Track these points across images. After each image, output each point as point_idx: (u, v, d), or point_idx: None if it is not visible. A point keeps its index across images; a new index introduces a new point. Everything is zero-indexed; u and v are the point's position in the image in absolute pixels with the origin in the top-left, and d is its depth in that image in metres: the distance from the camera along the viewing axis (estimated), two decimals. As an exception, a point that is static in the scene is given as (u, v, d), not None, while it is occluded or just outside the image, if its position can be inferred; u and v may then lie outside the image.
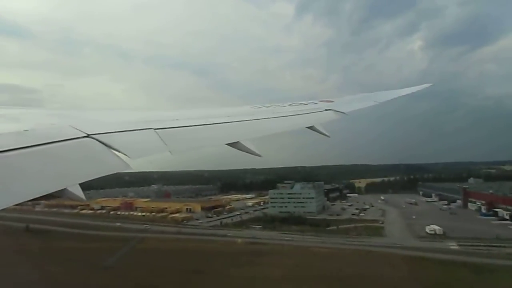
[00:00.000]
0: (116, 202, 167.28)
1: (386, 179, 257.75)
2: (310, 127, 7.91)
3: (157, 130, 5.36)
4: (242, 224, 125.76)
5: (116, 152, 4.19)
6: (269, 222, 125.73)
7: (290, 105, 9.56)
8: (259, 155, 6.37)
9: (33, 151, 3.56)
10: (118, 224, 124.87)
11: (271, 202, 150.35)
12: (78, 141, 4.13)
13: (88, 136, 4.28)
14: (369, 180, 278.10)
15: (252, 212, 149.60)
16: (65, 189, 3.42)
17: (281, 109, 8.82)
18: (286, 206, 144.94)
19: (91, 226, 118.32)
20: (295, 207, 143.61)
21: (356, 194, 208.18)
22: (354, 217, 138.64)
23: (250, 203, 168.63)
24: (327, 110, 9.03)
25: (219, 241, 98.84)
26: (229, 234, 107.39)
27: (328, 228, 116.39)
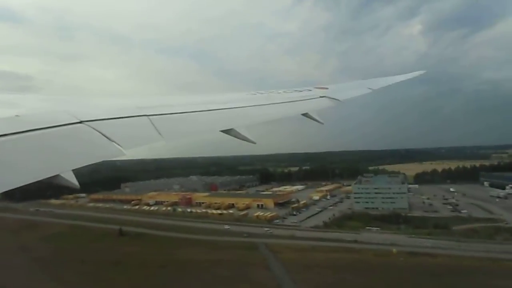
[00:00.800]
0: (170, 197, 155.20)
1: (433, 167, 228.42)
2: (305, 114, 7.92)
3: (151, 117, 5.32)
4: (341, 223, 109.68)
5: (109, 139, 4.17)
6: (366, 221, 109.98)
7: (285, 92, 9.54)
8: (253, 142, 6.39)
9: (24, 136, 3.52)
10: (203, 224, 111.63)
11: (356, 198, 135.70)
12: (71, 127, 4.09)
13: (81, 122, 4.26)
14: (405, 167, 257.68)
15: (330, 207, 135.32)
16: (58, 175, 3.39)
17: (276, 96, 8.80)
18: (373, 202, 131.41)
19: (180, 228, 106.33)
20: (383, 202, 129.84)
21: (416, 186, 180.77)
22: (456, 214, 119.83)
23: (316, 196, 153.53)
24: (322, 97, 9.03)
25: (375, 251, 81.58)
26: (360, 239, 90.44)
27: (455, 229, 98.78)
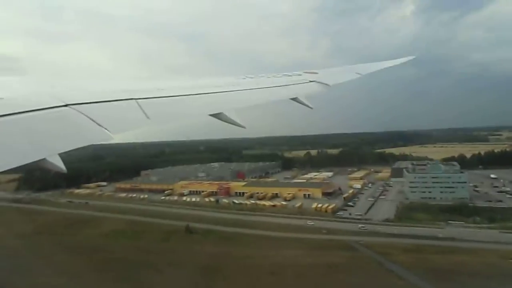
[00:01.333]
0: (204, 186, 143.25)
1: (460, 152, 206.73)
2: (294, 99, 7.97)
3: (139, 101, 5.29)
4: (410, 216, 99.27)
5: (96, 123, 4.14)
6: (433, 212, 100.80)
7: (274, 76, 9.54)
8: (243, 127, 6.45)
9: (7, 120, 3.47)
10: (266, 218, 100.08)
11: (411, 187, 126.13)
12: (56, 110, 4.05)
13: (66, 105, 4.21)
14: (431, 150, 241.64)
15: (381, 197, 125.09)
16: (44, 159, 3.37)
17: (265, 80, 8.81)
18: (430, 192, 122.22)
19: (247, 223, 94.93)
20: (442, 192, 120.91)
21: None
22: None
23: (357, 184, 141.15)
24: (311, 81, 9.06)
25: (495, 252, 69.65)
26: (453, 235, 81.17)
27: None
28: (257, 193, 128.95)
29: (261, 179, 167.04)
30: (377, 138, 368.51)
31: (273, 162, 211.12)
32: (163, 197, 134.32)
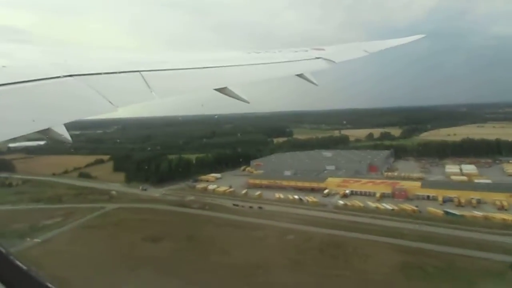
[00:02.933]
0: (368, 186, 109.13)
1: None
2: (300, 75, 7.92)
3: (143, 73, 5.27)
4: None
5: (100, 94, 4.13)
6: None
7: (280, 51, 9.45)
8: (247, 102, 6.46)
9: (9, 89, 3.43)
10: None
11: None
12: (60, 80, 4.03)
13: (71, 75, 4.20)
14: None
15: None
16: (49, 128, 3.39)
17: (272, 56, 8.73)
18: None
19: None
20: None
21: None
22: None
23: None
24: (317, 58, 8.98)
25: None
26: None
27: None
28: (448, 197, 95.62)
29: (411, 175, 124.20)
30: (419, 115, 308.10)
31: (387, 151, 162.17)
32: (326, 199, 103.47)
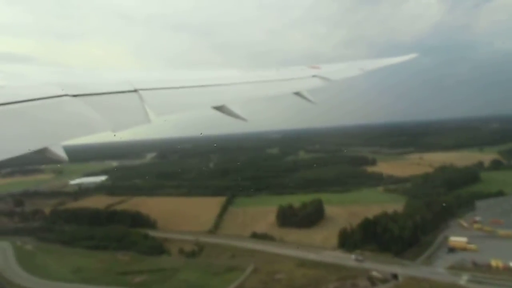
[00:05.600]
0: None
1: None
2: (297, 93, 7.99)
3: (141, 92, 5.28)
4: None
5: (97, 112, 4.14)
6: None
7: (277, 70, 9.58)
8: (244, 119, 6.48)
9: (7, 109, 3.43)
10: None
11: None
12: (58, 100, 4.03)
13: (69, 95, 4.22)
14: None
15: None
16: (46, 148, 3.38)
17: (269, 74, 8.84)
18: None
19: None
20: None
21: None
22: None
23: None
24: (313, 76, 9.09)
25: None
26: None
27: None
28: None
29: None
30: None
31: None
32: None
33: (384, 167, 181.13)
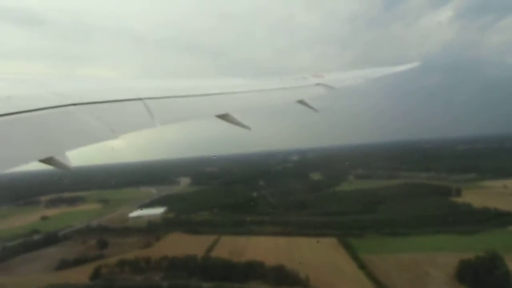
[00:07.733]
0: None
1: None
2: (300, 101, 7.99)
3: (145, 100, 5.31)
4: None
5: (101, 121, 4.17)
6: None
7: (280, 79, 9.59)
8: (248, 128, 6.48)
9: (13, 118, 3.47)
10: None
11: None
12: (62, 109, 4.07)
13: (73, 104, 4.24)
14: None
15: None
16: (51, 157, 3.41)
17: (272, 83, 8.85)
18: None
19: None
20: None
21: None
22: None
23: None
24: (317, 84, 9.10)
25: None
26: None
27: None
28: None
29: None
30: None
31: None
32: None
33: (476, 199, 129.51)
